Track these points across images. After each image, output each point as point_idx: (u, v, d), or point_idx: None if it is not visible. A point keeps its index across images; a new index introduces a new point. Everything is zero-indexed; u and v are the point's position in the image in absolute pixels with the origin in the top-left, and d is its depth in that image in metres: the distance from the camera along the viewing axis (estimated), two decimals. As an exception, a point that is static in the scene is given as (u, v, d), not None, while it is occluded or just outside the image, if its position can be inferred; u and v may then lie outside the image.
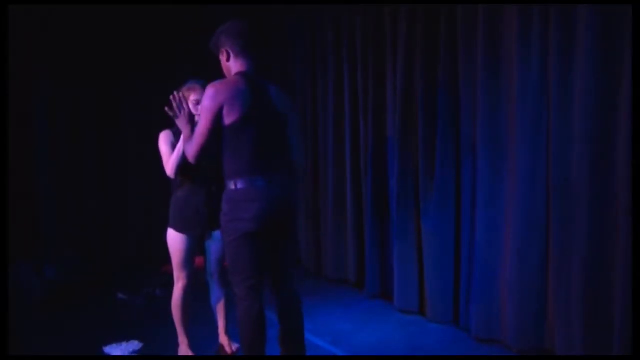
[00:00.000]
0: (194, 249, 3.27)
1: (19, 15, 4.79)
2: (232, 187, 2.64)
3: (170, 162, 3.11)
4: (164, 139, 3.19)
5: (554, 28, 3.03)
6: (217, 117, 2.56)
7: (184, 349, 3.35)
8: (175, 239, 3.22)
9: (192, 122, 2.87)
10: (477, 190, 3.52)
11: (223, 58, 2.73)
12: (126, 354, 3.50)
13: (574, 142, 2.96)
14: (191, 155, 2.65)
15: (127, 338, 3.68)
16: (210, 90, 2.58)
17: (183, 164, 3.07)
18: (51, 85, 5.24)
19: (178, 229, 3.20)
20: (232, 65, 2.71)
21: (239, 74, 2.67)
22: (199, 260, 3.36)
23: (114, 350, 3.53)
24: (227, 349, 3.43)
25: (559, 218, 3.06)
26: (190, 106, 3.06)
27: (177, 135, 3.17)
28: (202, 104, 2.62)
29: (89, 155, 5.53)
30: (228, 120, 2.56)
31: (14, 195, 4.89)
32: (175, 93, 2.88)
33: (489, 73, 3.40)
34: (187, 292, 3.27)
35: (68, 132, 5.39)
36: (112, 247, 5.57)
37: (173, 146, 3.15)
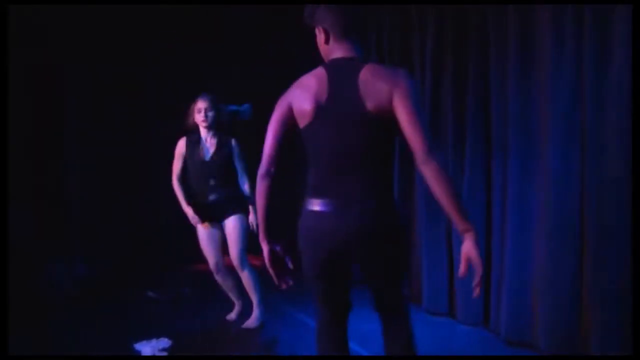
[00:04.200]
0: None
1: (47, 15, 4.88)
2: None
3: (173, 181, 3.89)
4: (176, 150, 3.88)
5: (588, 27, 2.98)
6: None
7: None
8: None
9: None
10: (508, 190, 3.47)
11: (320, 38, 2.19)
12: (156, 351, 3.54)
13: (610, 142, 2.90)
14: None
15: (157, 335, 3.72)
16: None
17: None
18: (81, 85, 5.33)
19: None
20: (331, 50, 2.15)
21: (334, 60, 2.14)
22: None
23: (144, 347, 3.57)
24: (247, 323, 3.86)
25: (594, 219, 3.00)
26: (195, 114, 3.74)
27: (191, 143, 3.80)
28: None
29: (120, 153, 5.61)
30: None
31: (45, 194, 5.01)
32: None
33: (521, 72, 3.35)
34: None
35: (98, 130, 5.47)
36: (143, 245, 5.63)
37: (181, 157, 3.83)
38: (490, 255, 3.70)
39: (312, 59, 5.39)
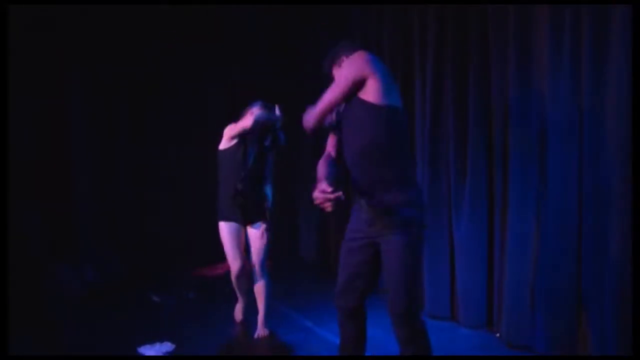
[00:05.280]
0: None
1: (57, 15, 4.92)
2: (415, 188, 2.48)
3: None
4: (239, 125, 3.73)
5: (586, 28, 3.00)
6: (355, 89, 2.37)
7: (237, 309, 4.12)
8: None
9: None
10: (509, 195, 3.49)
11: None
12: (159, 355, 3.57)
13: (607, 147, 2.92)
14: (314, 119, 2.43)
15: (161, 339, 3.75)
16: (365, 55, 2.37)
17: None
18: (88, 90, 5.36)
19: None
20: None
21: None
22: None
23: (147, 350, 3.60)
24: (259, 332, 3.80)
25: (592, 224, 3.02)
26: (247, 116, 3.69)
27: None
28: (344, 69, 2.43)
29: (126, 160, 5.65)
30: (387, 100, 2.37)
31: (54, 198, 5.05)
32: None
33: (521, 77, 3.37)
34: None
35: (105, 136, 5.51)
36: (147, 250, 5.67)
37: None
38: (492, 258, 3.72)
39: (312, 59, 5.41)
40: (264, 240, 3.77)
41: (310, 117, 2.43)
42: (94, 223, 5.41)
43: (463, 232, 3.83)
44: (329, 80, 2.60)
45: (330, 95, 2.38)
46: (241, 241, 3.83)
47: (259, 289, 3.80)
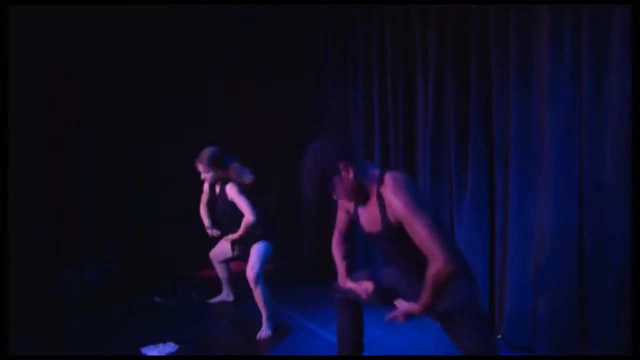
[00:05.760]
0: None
1: (60, 20, 4.95)
2: None
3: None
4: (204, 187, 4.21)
5: (586, 28, 2.99)
6: None
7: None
8: None
9: None
10: (510, 197, 3.48)
11: (346, 177, 2.37)
12: (162, 355, 3.58)
13: (607, 147, 2.92)
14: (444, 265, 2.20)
15: (163, 340, 3.77)
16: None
17: None
18: (92, 91, 5.38)
19: None
20: (363, 175, 2.41)
21: (388, 172, 2.40)
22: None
23: (150, 351, 3.62)
24: (261, 334, 3.87)
25: (593, 226, 3.02)
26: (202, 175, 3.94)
27: (210, 186, 4.14)
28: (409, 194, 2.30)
29: (128, 162, 5.67)
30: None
31: (57, 200, 5.08)
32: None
33: (521, 80, 3.36)
34: None
35: (108, 138, 5.54)
36: (150, 251, 5.69)
37: (207, 193, 4.18)
38: (494, 261, 3.71)
39: (312, 60, 5.39)
40: (253, 258, 3.87)
41: (444, 261, 2.19)
42: (95, 224, 5.43)
43: (464, 233, 3.83)
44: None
45: (427, 228, 2.23)
46: (225, 248, 4.20)
47: (255, 296, 3.89)
